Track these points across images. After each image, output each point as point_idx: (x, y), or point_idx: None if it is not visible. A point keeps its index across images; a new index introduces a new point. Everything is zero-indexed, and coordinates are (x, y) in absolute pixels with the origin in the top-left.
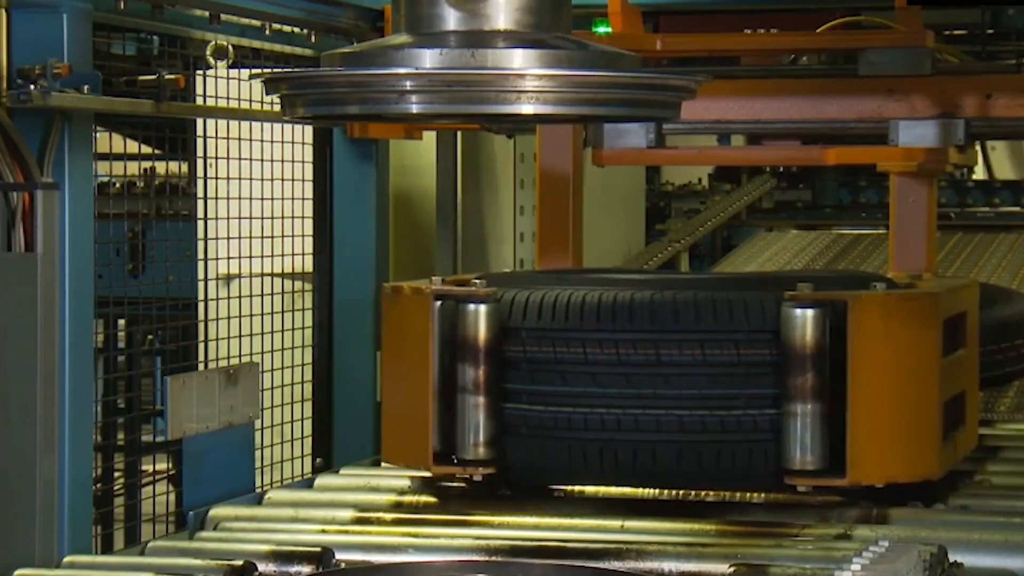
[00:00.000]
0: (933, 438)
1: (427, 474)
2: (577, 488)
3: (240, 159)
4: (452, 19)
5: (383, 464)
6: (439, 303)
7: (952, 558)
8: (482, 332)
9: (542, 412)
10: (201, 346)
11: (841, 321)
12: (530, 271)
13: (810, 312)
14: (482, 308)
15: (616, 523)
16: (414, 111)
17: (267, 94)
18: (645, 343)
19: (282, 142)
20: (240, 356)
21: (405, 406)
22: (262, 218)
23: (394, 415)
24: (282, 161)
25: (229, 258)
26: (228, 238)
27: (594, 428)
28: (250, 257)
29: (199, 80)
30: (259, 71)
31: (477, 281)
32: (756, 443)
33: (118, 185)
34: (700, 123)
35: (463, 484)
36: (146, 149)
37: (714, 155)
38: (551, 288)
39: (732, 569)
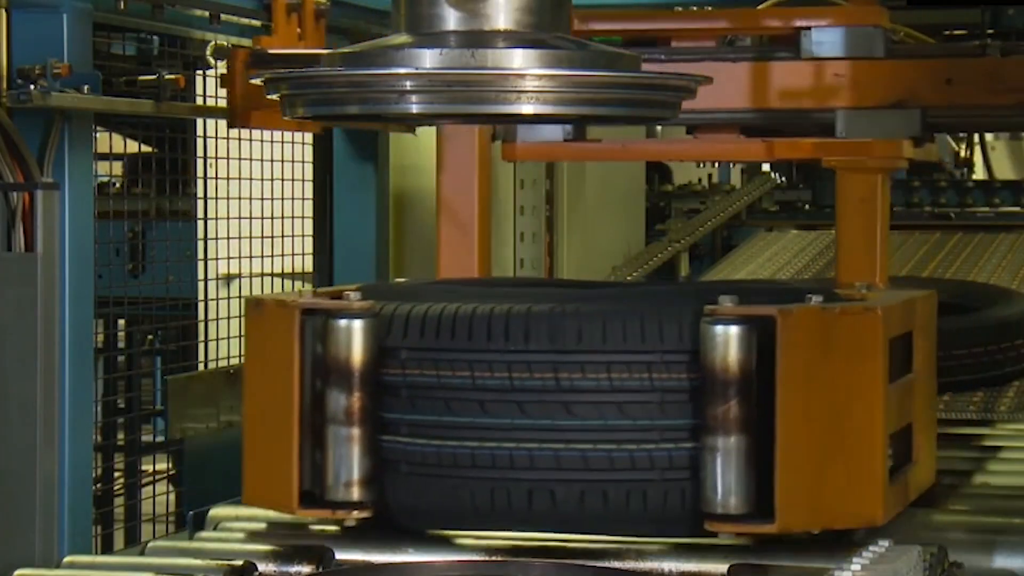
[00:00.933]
0: (876, 478)
1: None
2: None
3: (240, 159)
4: (452, 19)
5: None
6: (306, 318)
7: (952, 558)
8: (356, 352)
9: (424, 446)
10: (201, 346)
11: (770, 341)
12: (422, 281)
13: (733, 330)
14: (356, 324)
15: None
16: (414, 111)
17: (267, 94)
18: (543, 365)
19: (282, 142)
20: (240, 356)
21: (267, 439)
22: (262, 218)
23: (255, 449)
24: (282, 161)
25: (229, 258)
26: (228, 238)
27: (483, 465)
28: (250, 257)
29: (199, 80)
30: (259, 72)
31: (352, 293)
32: (671, 483)
33: (118, 185)
34: None
35: None
36: (146, 149)
37: (640, 150)
38: (438, 301)
39: (731, 569)
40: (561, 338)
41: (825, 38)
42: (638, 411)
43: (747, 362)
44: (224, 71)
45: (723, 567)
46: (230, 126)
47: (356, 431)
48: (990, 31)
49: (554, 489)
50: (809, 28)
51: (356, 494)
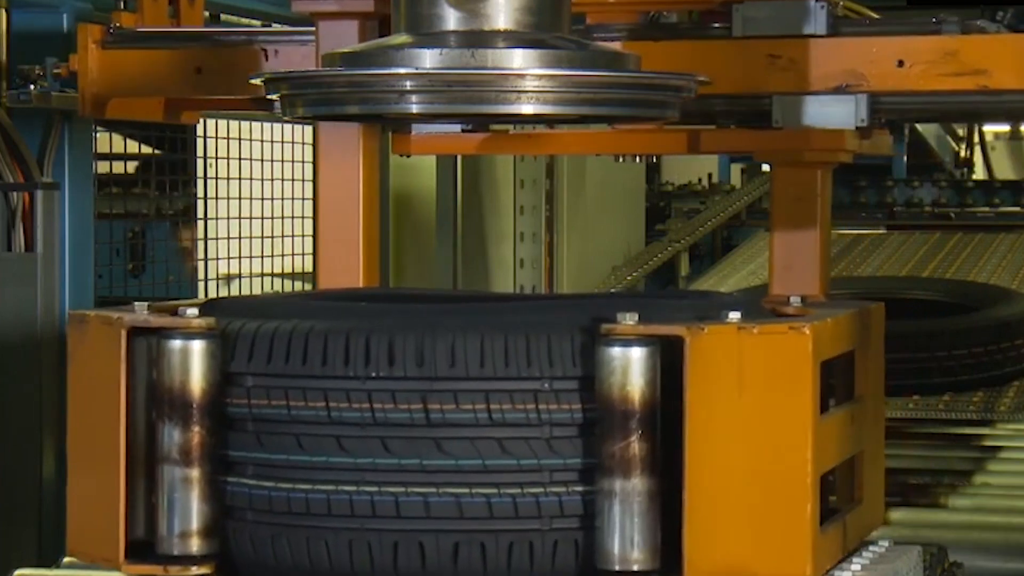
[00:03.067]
0: (804, 526)
1: None
2: None
3: (240, 159)
4: (452, 19)
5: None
6: (136, 338)
7: (952, 558)
8: (193, 379)
9: (271, 489)
10: None
11: (678, 366)
12: (282, 294)
13: (634, 353)
14: (193, 345)
15: None
16: (414, 111)
17: (267, 94)
18: (410, 395)
19: (282, 142)
20: None
21: (92, 480)
22: (262, 218)
23: (78, 492)
24: (282, 161)
25: (229, 258)
26: (228, 238)
27: (341, 513)
28: (250, 257)
29: None
30: (260, 72)
31: (189, 309)
32: (562, 533)
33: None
34: None
35: None
36: (146, 149)
37: (548, 141)
38: (291, 319)
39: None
40: (431, 362)
41: (758, 13)
42: (523, 449)
43: (650, 390)
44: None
45: None
46: (81, 114)
47: (194, 472)
48: None
49: (423, 541)
50: (740, 2)
51: (194, 547)
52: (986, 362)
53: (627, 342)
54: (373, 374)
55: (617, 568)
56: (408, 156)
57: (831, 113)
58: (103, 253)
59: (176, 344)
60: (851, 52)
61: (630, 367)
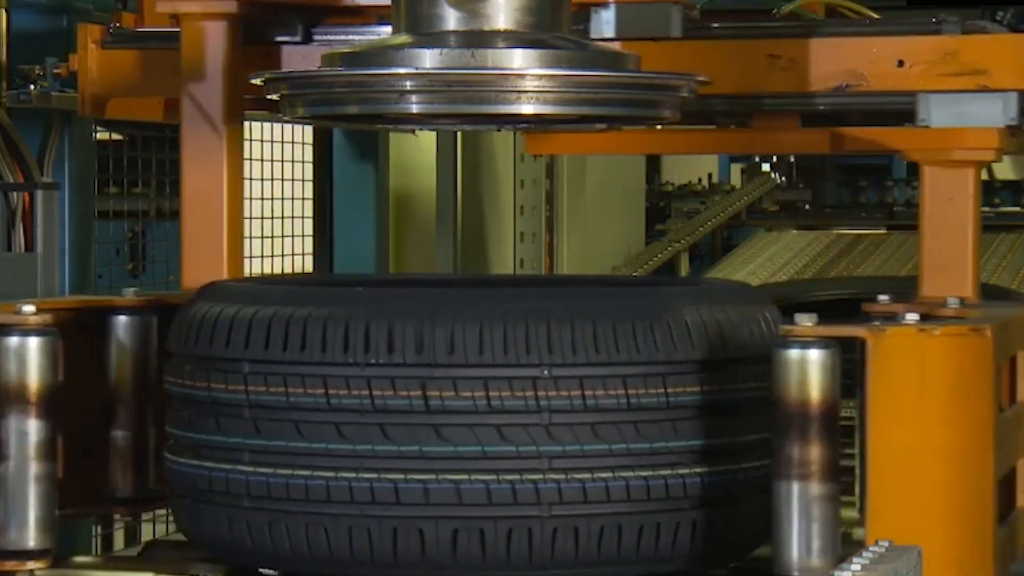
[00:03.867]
0: (987, 526)
1: None
2: None
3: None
4: (452, 19)
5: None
6: None
7: None
8: (31, 376)
9: (270, 476)
10: None
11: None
12: (281, 277)
13: (812, 355)
14: (30, 343)
15: None
16: (414, 111)
17: (267, 94)
18: (408, 381)
19: (282, 142)
20: None
21: None
22: (262, 218)
23: None
24: (282, 161)
25: None
26: None
27: (340, 499)
28: (250, 257)
29: None
30: (259, 72)
31: (27, 307)
32: (560, 520)
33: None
34: None
35: None
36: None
37: (685, 140)
38: (289, 305)
39: (732, 568)
40: (430, 349)
41: (615, 16)
42: (521, 436)
43: (829, 393)
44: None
45: (723, 569)
46: (81, 114)
47: (34, 468)
48: None
49: (422, 527)
50: (601, 4)
51: (31, 541)
52: None
53: (805, 344)
54: (373, 361)
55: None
56: (539, 156)
57: (978, 111)
58: (103, 253)
59: (13, 341)
60: (851, 52)
61: (808, 369)
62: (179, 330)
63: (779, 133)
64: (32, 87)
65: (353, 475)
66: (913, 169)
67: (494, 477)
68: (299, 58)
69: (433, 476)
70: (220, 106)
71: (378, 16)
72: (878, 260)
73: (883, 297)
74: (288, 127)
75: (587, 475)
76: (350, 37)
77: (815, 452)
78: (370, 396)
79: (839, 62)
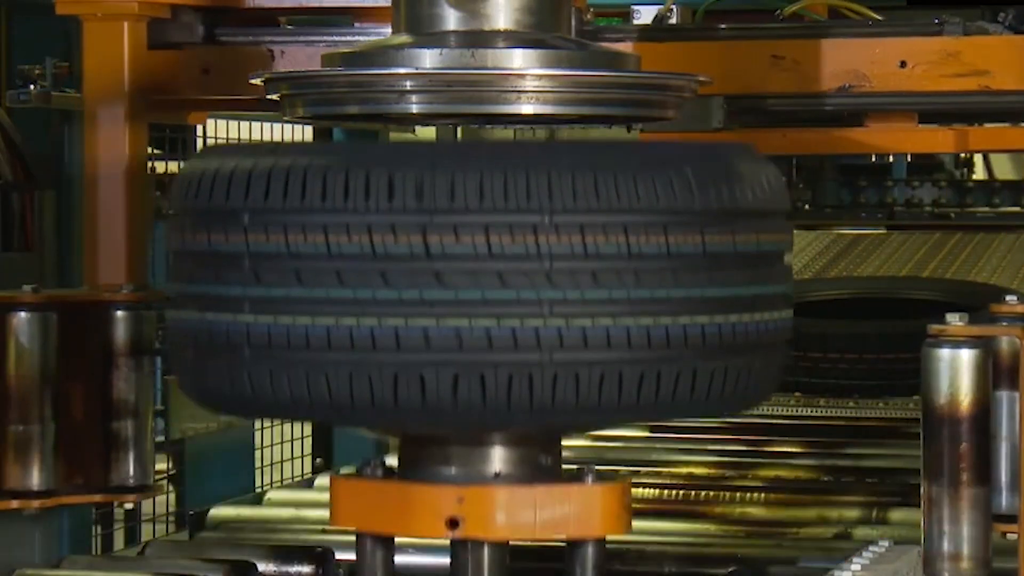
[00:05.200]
0: None
1: None
2: None
3: None
4: (452, 19)
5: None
6: None
7: None
8: None
9: (271, 324)
10: None
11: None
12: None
13: (964, 355)
14: None
15: None
16: (414, 111)
17: (267, 94)
18: (410, 228)
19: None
20: None
21: None
22: None
23: None
24: None
25: None
26: None
27: (341, 346)
28: None
29: None
30: (260, 72)
31: None
32: (561, 366)
33: None
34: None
35: None
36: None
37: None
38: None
39: (732, 569)
40: (431, 195)
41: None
42: (522, 281)
43: (981, 393)
44: None
45: (723, 567)
46: None
47: None
48: None
49: (423, 373)
50: None
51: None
52: None
53: (956, 344)
54: (373, 208)
55: None
56: None
57: None
58: None
59: None
60: (854, 53)
61: (959, 369)
62: (179, 188)
63: (897, 132)
64: (32, 87)
65: (354, 321)
66: (913, 169)
67: (494, 322)
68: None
69: (434, 321)
70: (124, 107)
71: (286, 17)
72: (878, 260)
73: (1011, 297)
74: (288, 127)
75: (588, 321)
76: (253, 39)
77: (965, 451)
78: (371, 243)
79: (842, 62)
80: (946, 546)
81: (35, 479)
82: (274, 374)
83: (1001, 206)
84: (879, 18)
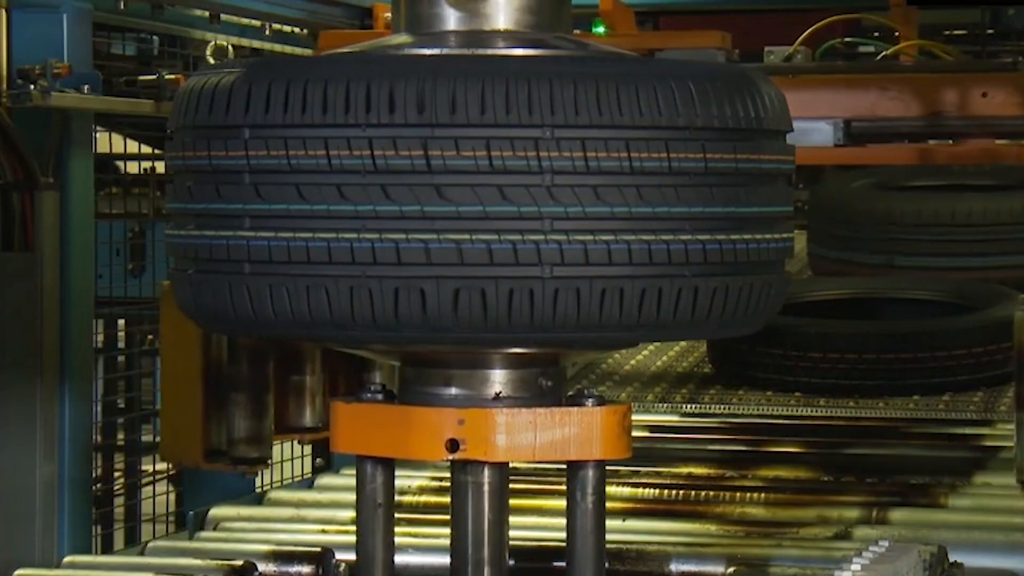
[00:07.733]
0: None
1: (429, 473)
2: None
3: None
4: (452, 19)
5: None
6: None
7: (952, 558)
8: None
9: (271, 240)
10: None
11: None
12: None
13: None
14: None
15: (616, 522)
16: None
17: None
18: (410, 141)
19: None
20: None
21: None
22: None
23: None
24: None
25: None
26: None
27: (341, 260)
28: None
29: None
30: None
31: None
32: (562, 281)
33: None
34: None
35: None
36: (146, 149)
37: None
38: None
39: (732, 569)
40: (432, 108)
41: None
42: (523, 196)
43: None
44: None
45: (723, 567)
46: None
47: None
48: (990, 31)
49: (424, 287)
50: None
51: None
52: (986, 362)
53: None
54: (373, 121)
55: None
56: None
57: None
58: (103, 253)
59: None
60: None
61: None
62: (178, 104)
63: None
64: (32, 87)
65: (355, 236)
66: None
67: (495, 237)
68: None
69: (435, 236)
70: None
71: None
72: None
73: None
74: None
75: (589, 236)
76: None
77: None
78: (371, 156)
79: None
80: None
81: (307, 418)
82: (274, 290)
83: None
84: (962, 54)
